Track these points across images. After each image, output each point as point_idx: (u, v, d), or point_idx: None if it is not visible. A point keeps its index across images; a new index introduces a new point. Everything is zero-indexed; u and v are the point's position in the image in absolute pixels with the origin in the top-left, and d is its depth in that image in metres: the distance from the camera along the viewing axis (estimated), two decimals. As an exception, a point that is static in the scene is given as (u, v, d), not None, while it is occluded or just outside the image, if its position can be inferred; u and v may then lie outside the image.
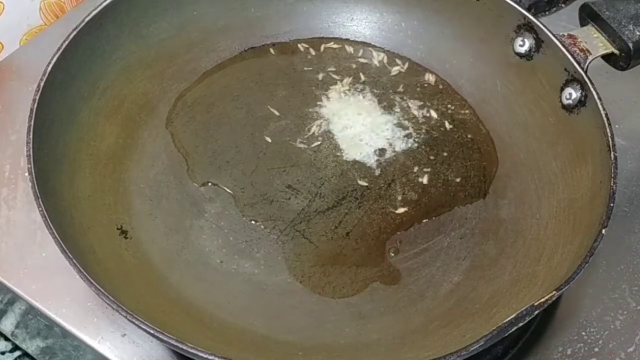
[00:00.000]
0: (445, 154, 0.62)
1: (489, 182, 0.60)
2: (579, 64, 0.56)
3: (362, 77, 0.66)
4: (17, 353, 0.60)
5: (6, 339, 0.60)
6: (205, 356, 0.42)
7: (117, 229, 0.55)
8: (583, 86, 0.56)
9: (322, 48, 0.68)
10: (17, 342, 0.59)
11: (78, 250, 0.47)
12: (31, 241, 0.57)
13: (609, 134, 0.52)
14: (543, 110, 0.60)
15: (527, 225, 0.56)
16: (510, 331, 0.43)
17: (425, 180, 0.61)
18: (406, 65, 0.67)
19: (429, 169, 0.61)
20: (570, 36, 0.58)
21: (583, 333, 0.55)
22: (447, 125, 0.64)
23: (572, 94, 0.57)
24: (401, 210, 0.59)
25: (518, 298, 0.50)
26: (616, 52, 0.57)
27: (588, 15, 0.59)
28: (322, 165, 0.61)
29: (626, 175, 0.63)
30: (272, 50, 0.68)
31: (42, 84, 0.53)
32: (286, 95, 0.65)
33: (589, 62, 0.57)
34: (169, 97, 0.63)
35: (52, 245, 0.46)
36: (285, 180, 0.60)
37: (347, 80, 0.66)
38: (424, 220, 0.58)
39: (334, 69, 0.67)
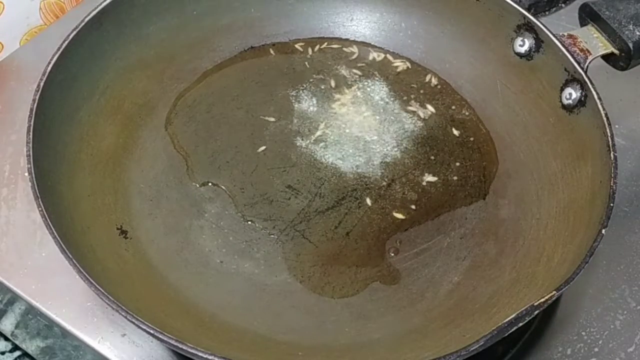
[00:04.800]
0: (445, 154, 0.62)
1: (489, 182, 0.60)
2: (579, 64, 0.56)
3: (362, 77, 0.66)
4: (17, 353, 0.60)
5: (6, 339, 0.60)
6: (205, 356, 0.42)
7: (117, 229, 0.55)
8: (583, 86, 0.56)
9: (321, 48, 0.68)
10: (17, 342, 0.59)
11: (78, 250, 0.47)
12: (31, 241, 0.57)
13: (609, 134, 0.52)
14: (543, 110, 0.60)
15: (527, 225, 0.56)
16: (510, 331, 0.43)
17: (425, 180, 0.61)
18: (406, 66, 0.67)
19: (429, 169, 0.61)
20: (570, 36, 0.58)
21: (583, 333, 0.55)
22: (447, 126, 0.64)
23: (572, 94, 0.57)
24: (401, 210, 0.58)
25: (518, 298, 0.50)
26: (616, 52, 0.57)
27: (588, 15, 0.59)
28: (322, 166, 0.61)
29: (626, 175, 0.63)
30: (271, 50, 0.68)
31: (42, 84, 0.53)
32: (286, 95, 0.65)
33: (589, 62, 0.56)
34: (169, 97, 0.64)
35: (52, 245, 0.46)
36: (285, 180, 0.60)
37: (347, 80, 0.66)
38: (424, 221, 0.58)
39: (333, 69, 0.67)
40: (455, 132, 0.64)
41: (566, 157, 0.57)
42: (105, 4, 0.58)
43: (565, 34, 0.58)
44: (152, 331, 0.43)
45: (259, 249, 0.55)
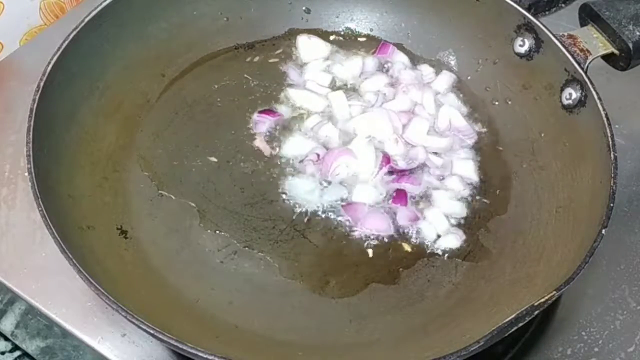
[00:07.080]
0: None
1: (490, 182, 0.60)
2: (579, 64, 0.56)
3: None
4: (17, 353, 0.60)
5: (6, 339, 0.60)
6: (205, 356, 0.42)
7: (117, 229, 0.55)
8: (583, 86, 0.56)
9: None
10: (17, 342, 0.59)
11: (78, 250, 0.47)
12: (31, 241, 0.57)
13: (609, 134, 0.52)
14: (543, 110, 0.60)
15: (527, 225, 0.56)
16: (510, 331, 0.43)
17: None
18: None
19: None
20: (570, 36, 0.58)
21: (583, 333, 0.55)
22: (447, 125, 0.64)
23: (572, 94, 0.57)
24: (401, 210, 0.58)
25: (518, 298, 0.50)
26: (616, 52, 0.58)
27: (588, 15, 0.59)
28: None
29: (626, 175, 0.63)
30: (272, 50, 0.68)
31: (42, 84, 0.53)
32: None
33: (589, 62, 0.57)
34: (169, 97, 0.63)
35: (52, 245, 0.46)
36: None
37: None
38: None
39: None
40: (455, 132, 0.64)
41: (566, 157, 0.57)
42: (105, 4, 0.58)
43: (565, 34, 0.58)
44: (152, 331, 0.43)
45: (259, 249, 0.55)
